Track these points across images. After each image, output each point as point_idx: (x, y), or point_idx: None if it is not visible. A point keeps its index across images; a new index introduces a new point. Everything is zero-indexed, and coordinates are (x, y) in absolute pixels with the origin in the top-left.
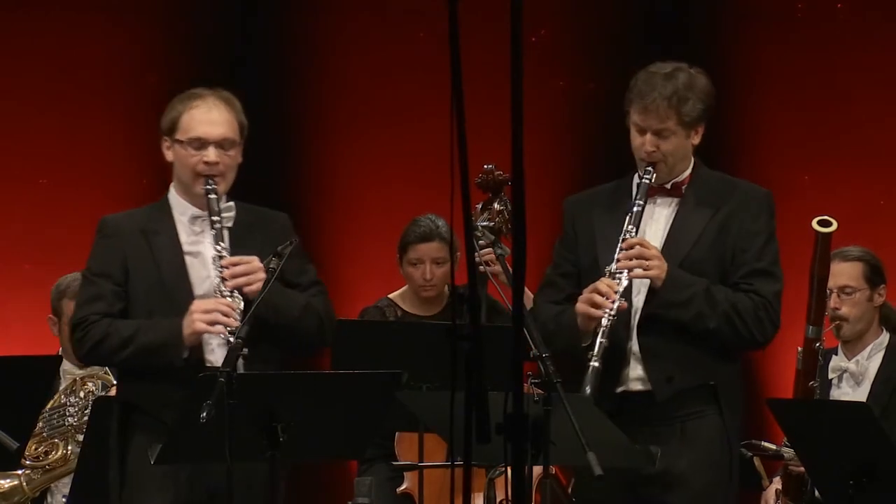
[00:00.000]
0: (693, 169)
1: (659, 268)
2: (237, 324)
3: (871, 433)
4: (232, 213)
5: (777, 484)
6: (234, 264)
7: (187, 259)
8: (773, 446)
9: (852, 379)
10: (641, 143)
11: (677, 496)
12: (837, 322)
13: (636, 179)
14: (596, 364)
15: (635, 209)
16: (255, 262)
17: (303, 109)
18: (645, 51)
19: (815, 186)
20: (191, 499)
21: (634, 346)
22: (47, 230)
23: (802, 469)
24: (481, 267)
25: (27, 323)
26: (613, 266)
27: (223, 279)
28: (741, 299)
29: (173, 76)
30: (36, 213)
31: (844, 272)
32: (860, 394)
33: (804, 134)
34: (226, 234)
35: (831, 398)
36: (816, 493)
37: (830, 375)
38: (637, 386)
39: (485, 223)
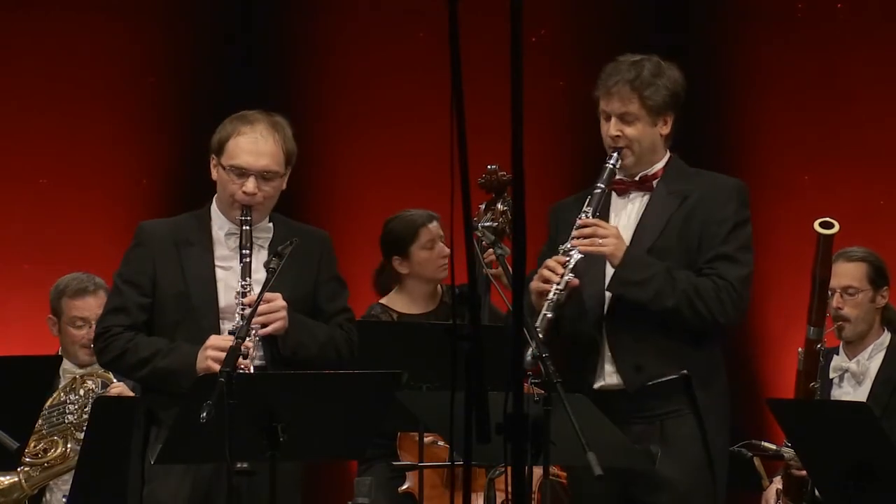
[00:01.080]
0: (667, 163)
1: (614, 245)
2: (249, 363)
3: (871, 433)
4: (269, 234)
5: (777, 484)
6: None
7: (218, 272)
8: (773, 446)
9: (853, 379)
10: (607, 129)
11: (658, 497)
12: (840, 322)
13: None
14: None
15: (595, 192)
16: (277, 300)
17: (303, 109)
18: (645, 51)
19: (815, 186)
20: (208, 497)
21: (604, 337)
22: (47, 230)
23: (804, 472)
24: (484, 270)
25: (27, 323)
26: (568, 244)
27: (243, 317)
28: (702, 282)
29: (173, 76)
30: (36, 213)
31: (848, 273)
32: (861, 394)
33: (804, 134)
34: (259, 273)
35: (832, 398)
36: (817, 493)
37: (831, 375)
38: (612, 379)
39: (488, 223)
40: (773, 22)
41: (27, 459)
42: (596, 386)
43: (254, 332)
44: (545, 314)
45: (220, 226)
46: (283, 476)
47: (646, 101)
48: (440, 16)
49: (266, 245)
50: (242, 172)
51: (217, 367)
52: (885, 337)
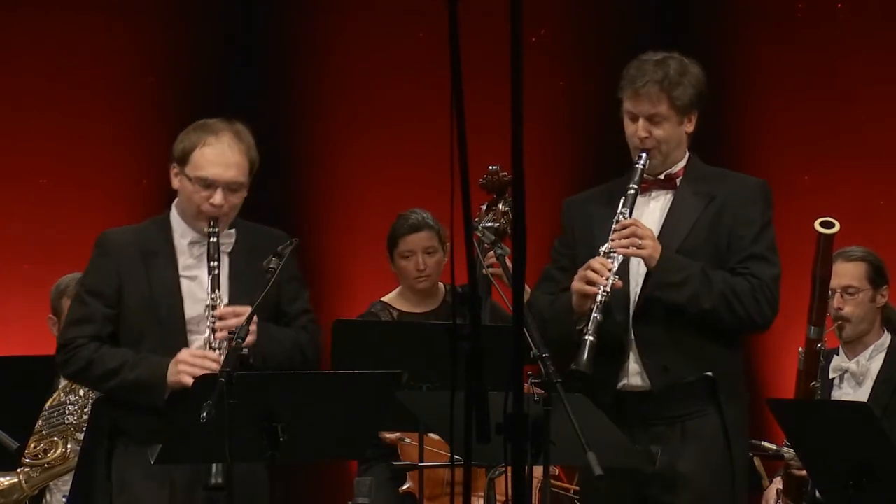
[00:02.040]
0: (688, 161)
1: (652, 248)
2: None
3: (870, 433)
4: (231, 241)
5: (777, 484)
6: (227, 316)
7: (183, 282)
8: (773, 446)
9: (853, 379)
10: (634, 130)
11: (678, 497)
12: (840, 322)
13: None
14: (591, 338)
15: (629, 192)
16: (246, 313)
17: (303, 109)
18: (645, 50)
19: (815, 186)
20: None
21: (631, 337)
22: (47, 230)
23: (805, 472)
24: (485, 270)
25: (26, 323)
26: (607, 246)
27: (214, 330)
28: (738, 282)
29: (173, 77)
30: (36, 213)
31: (848, 272)
32: (861, 394)
33: (804, 134)
34: (223, 281)
35: (832, 398)
36: (817, 493)
37: (831, 375)
38: (636, 380)
39: (489, 224)
40: (773, 22)
41: (27, 460)
42: (619, 386)
43: (224, 343)
44: (595, 317)
45: (183, 234)
46: (255, 486)
47: (675, 101)
48: (440, 16)
49: (229, 251)
50: (210, 184)
51: (189, 380)
52: (886, 338)
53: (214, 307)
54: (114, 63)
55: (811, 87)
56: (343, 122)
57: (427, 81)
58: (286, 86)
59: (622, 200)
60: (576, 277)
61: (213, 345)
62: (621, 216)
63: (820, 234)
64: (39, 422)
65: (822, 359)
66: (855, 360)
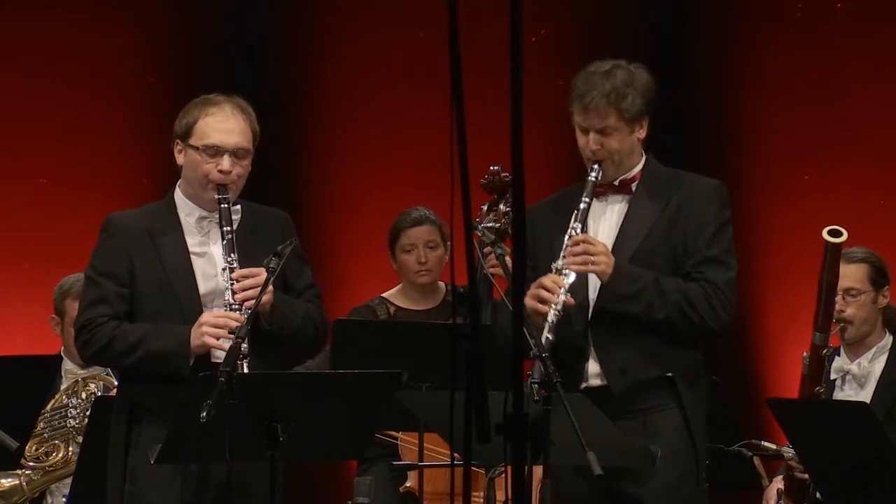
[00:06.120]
0: (644, 165)
1: (605, 263)
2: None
3: (870, 433)
4: (238, 216)
5: (778, 483)
6: (244, 277)
7: (193, 259)
8: (774, 446)
9: (855, 381)
10: (586, 142)
11: (643, 489)
12: (842, 324)
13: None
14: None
15: (581, 206)
16: (263, 274)
17: (303, 110)
18: (645, 51)
19: (815, 186)
20: (197, 497)
21: (589, 341)
22: (47, 230)
23: (807, 476)
24: (485, 270)
25: (27, 322)
26: (560, 262)
27: (233, 292)
28: (692, 288)
29: (173, 76)
30: (36, 213)
31: (849, 274)
32: (864, 396)
33: (804, 134)
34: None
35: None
36: (818, 495)
37: (833, 376)
38: (596, 381)
39: (490, 224)
40: (773, 22)
41: (30, 463)
42: (580, 388)
43: (243, 306)
44: (547, 336)
45: (189, 213)
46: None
47: (623, 113)
48: (440, 16)
49: (235, 228)
50: (217, 151)
51: (214, 342)
52: (888, 339)
53: (232, 270)
54: (114, 63)
55: (811, 87)
56: (343, 122)
57: (427, 82)
58: (286, 86)
59: (575, 214)
60: (528, 294)
61: (233, 306)
62: (573, 231)
63: (827, 242)
64: (41, 424)
65: (826, 364)
66: (857, 361)
